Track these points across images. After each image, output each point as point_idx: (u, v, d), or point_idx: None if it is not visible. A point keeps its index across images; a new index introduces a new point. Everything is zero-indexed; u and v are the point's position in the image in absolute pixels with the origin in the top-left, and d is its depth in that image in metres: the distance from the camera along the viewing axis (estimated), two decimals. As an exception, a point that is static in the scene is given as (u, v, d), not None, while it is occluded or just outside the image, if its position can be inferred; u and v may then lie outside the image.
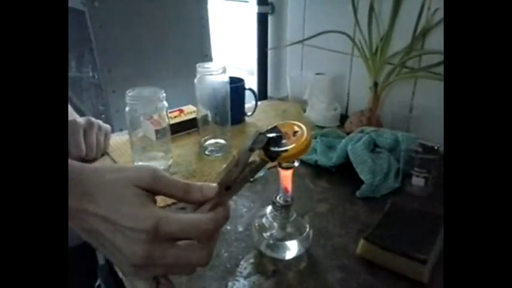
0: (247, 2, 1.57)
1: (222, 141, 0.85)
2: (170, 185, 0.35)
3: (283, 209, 0.52)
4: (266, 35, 1.27)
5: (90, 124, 0.82)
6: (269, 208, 0.54)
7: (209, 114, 0.84)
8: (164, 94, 0.75)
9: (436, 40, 0.82)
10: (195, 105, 0.89)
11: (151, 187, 0.33)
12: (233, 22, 1.68)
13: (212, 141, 0.85)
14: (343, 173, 0.74)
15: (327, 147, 0.81)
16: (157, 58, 1.21)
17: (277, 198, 0.52)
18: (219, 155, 0.84)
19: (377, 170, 0.69)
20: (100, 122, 0.86)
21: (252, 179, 0.65)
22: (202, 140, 0.85)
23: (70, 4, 1.11)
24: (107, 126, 0.87)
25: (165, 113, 0.76)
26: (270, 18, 1.26)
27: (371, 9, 0.86)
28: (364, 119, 0.88)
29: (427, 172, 0.68)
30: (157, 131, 0.77)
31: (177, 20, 1.21)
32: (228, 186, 0.37)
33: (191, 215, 0.34)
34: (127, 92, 0.72)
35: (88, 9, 1.05)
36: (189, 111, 0.99)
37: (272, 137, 0.40)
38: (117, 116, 1.13)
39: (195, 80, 0.82)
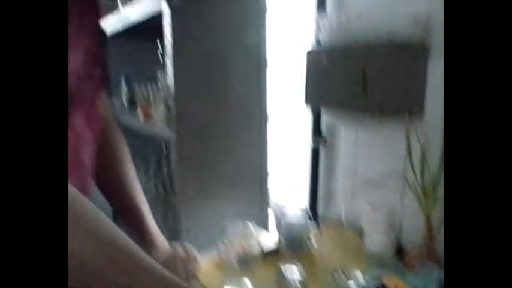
0: (289, 125, 1.77)
1: (298, 272, 0.94)
2: None
3: None
4: (318, 166, 1.42)
5: (174, 257, 0.84)
6: None
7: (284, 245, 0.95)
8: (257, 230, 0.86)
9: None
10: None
11: None
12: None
13: (291, 271, 0.94)
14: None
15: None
16: (224, 178, 1.36)
17: None
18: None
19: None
20: (187, 246, 0.94)
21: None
22: (282, 271, 0.94)
23: (163, 134, 1.31)
24: (195, 254, 0.94)
25: (254, 241, 0.87)
26: (322, 150, 1.43)
27: (423, 156, 1.00)
28: (423, 253, 0.97)
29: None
30: (242, 259, 0.88)
31: (244, 144, 1.39)
32: None
33: None
34: (226, 223, 0.84)
35: (177, 143, 1.23)
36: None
37: None
38: (187, 237, 1.25)
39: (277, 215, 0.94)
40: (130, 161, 0.94)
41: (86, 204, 0.49)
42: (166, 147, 2.19)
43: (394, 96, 0.99)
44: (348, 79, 1.03)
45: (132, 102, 1.85)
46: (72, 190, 0.47)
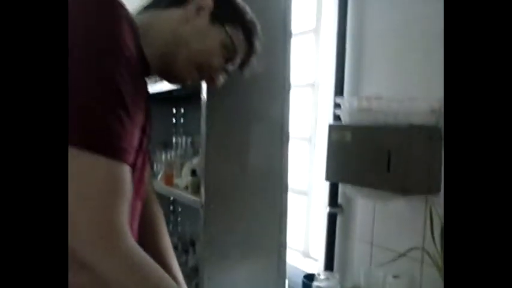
0: (307, 194, 1.86)
1: None
2: None
3: None
4: (334, 232, 1.50)
5: None
6: None
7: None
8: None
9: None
10: None
11: None
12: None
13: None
14: None
15: None
16: (245, 246, 1.41)
17: None
18: None
19: None
20: None
21: None
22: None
23: (190, 202, 1.37)
24: None
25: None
26: (338, 217, 1.51)
27: (443, 231, 1.09)
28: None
29: None
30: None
31: (264, 213, 1.46)
32: None
33: None
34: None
35: (204, 210, 1.30)
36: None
37: None
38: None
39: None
40: (166, 230, 0.99)
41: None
42: (186, 207, 2.24)
43: (415, 175, 1.10)
44: (372, 156, 1.14)
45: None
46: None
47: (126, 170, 0.58)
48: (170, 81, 0.85)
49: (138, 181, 0.70)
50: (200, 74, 0.81)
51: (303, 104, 1.89)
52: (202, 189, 1.30)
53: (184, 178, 1.51)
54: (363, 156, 1.17)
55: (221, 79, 0.85)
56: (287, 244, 1.51)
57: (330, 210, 1.50)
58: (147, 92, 0.76)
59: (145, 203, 0.84)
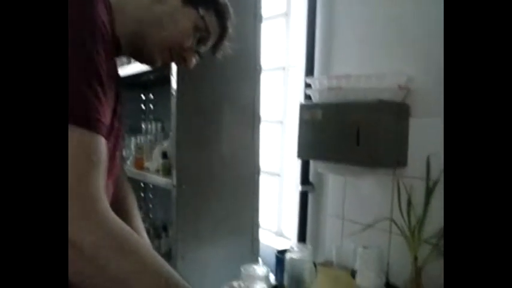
0: (279, 175, 1.89)
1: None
2: None
3: None
4: (306, 209, 1.53)
5: None
6: None
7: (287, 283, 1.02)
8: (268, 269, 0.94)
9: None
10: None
11: None
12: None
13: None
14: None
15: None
16: (218, 227, 1.43)
17: None
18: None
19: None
20: None
21: None
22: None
23: (161, 183, 1.37)
24: None
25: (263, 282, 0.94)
26: (310, 195, 1.54)
27: (409, 203, 1.14)
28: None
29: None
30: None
31: (237, 195, 1.48)
32: None
33: None
34: (241, 268, 0.91)
35: (176, 191, 1.30)
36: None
37: None
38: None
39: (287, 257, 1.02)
40: (138, 209, 0.99)
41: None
42: (157, 192, 2.22)
43: (383, 149, 1.14)
44: (341, 132, 1.17)
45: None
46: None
47: (102, 142, 0.58)
48: (141, 61, 0.84)
49: (110, 161, 0.69)
50: (172, 55, 0.80)
51: (275, 87, 1.91)
52: (174, 171, 1.30)
53: (155, 161, 1.50)
54: (333, 132, 1.20)
55: (193, 61, 0.85)
56: (260, 224, 1.53)
57: (301, 188, 1.53)
58: (117, 73, 0.75)
59: (117, 184, 0.84)
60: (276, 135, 1.90)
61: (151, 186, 2.27)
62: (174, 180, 1.29)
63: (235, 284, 0.97)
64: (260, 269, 0.92)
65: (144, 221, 2.04)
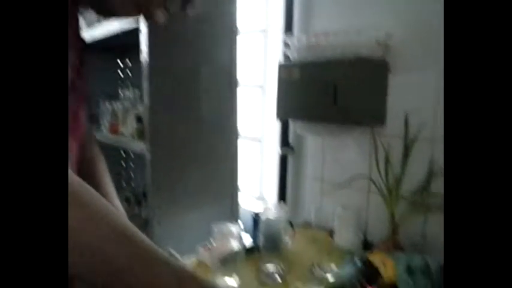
0: (260, 141, 1.86)
1: (277, 268, 1.00)
2: None
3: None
4: (286, 172, 1.51)
5: None
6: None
7: (264, 244, 1.01)
8: (241, 228, 0.92)
9: (442, 183, 1.07)
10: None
11: None
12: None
13: (270, 267, 1.00)
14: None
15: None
16: (196, 191, 1.41)
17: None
18: (280, 281, 0.98)
19: (418, 290, 0.86)
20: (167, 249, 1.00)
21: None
22: (262, 267, 1.00)
23: (136, 148, 1.33)
24: (178, 257, 1.00)
25: (235, 241, 0.92)
26: (289, 158, 1.53)
27: (386, 161, 1.12)
28: (389, 244, 1.08)
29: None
30: (224, 258, 0.92)
31: (215, 159, 1.45)
32: None
33: None
34: (212, 226, 0.89)
35: (150, 155, 1.26)
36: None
37: (371, 267, 0.57)
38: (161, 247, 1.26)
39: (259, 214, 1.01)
40: (108, 174, 0.96)
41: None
42: (138, 161, 2.19)
43: (361, 106, 1.11)
44: (319, 91, 1.14)
45: (93, 117, 1.85)
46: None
47: None
48: (104, 14, 0.78)
49: (72, 121, 0.67)
50: (138, 8, 0.74)
51: (255, 50, 1.85)
52: (148, 134, 1.26)
53: (129, 126, 1.45)
54: (311, 91, 1.17)
55: (161, 16, 0.79)
56: (240, 189, 1.51)
57: (281, 151, 1.50)
58: (79, 27, 0.70)
59: (83, 146, 0.81)
60: (256, 99, 1.86)
61: (132, 155, 2.23)
62: (147, 143, 1.26)
63: (208, 243, 0.96)
64: (232, 227, 0.90)
65: (125, 189, 2.02)
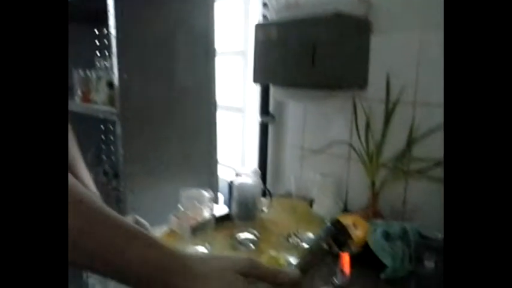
0: (242, 111, 1.80)
1: (251, 236, 0.96)
2: (264, 271, 0.43)
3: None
4: (267, 141, 1.46)
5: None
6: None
7: (237, 212, 0.97)
8: (211, 194, 0.87)
9: (421, 148, 1.03)
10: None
11: (249, 273, 0.41)
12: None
13: (244, 235, 0.96)
14: (363, 259, 0.87)
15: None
16: (169, 158, 1.35)
17: (335, 279, 0.63)
18: (253, 248, 0.94)
19: (395, 256, 0.82)
20: (136, 217, 0.94)
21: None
22: (236, 235, 0.96)
23: (107, 115, 1.27)
24: (145, 224, 0.95)
25: (208, 210, 0.88)
26: (270, 126, 1.47)
27: (367, 126, 1.07)
28: (369, 212, 1.04)
29: (436, 255, 0.82)
30: (195, 227, 0.88)
31: (189, 123, 1.39)
32: (305, 270, 0.48)
33: None
34: (181, 191, 0.84)
35: (120, 121, 1.20)
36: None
37: (340, 229, 0.53)
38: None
39: (234, 182, 0.96)
40: (76, 145, 0.92)
41: None
42: (110, 129, 2.12)
43: (341, 68, 1.05)
44: (297, 52, 1.07)
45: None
46: None
47: None
48: None
49: None
50: None
51: (235, 15, 1.76)
52: (118, 99, 1.19)
53: (101, 93, 1.38)
54: (288, 53, 1.10)
55: None
56: (218, 159, 1.46)
57: (261, 119, 1.45)
58: None
59: None
60: (237, 67, 1.79)
61: (111, 128, 2.16)
62: (118, 109, 1.19)
63: (178, 212, 0.91)
64: (202, 192, 0.85)
65: (105, 163, 1.95)
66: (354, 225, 0.55)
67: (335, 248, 0.52)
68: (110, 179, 1.80)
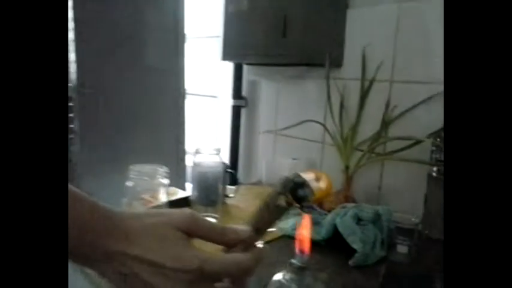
0: (215, 97, 1.72)
1: (210, 219, 0.88)
2: (208, 227, 0.36)
3: (300, 271, 0.55)
4: (239, 126, 1.38)
5: None
6: (283, 272, 0.57)
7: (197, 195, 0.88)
8: (165, 171, 0.78)
9: (397, 129, 0.96)
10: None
11: (190, 230, 0.35)
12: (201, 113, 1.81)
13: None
14: (332, 245, 0.79)
15: (313, 224, 0.86)
16: (136, 144, 1.26)
17: (294, 260, 0.56)
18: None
19: (366, 240, 0.75)
20: None
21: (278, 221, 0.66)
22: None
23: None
24: None
25: (162, 190, 0.79)
26: (243, 111, 1.39)
27: (341, 106, 1.00)
28: (341, 197, 0.97)
29: (409, 240, 0.75)
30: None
31: (157, 110, 1.30)
32: (258, 228, 0.40)
33: (232, 255, 0.36)
34: (130, 166, 0.75)
35: (78, 96, 1.10)
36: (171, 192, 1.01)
37: (299, 182, 0.44)
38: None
39: (193, 161, 0.87)
40: None
41: None
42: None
43: (314, 42, 0.98)
44: (268, 23, 1.00)
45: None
46: None
47: None
48: None
49: None
50: None
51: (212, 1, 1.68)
52: (74, 73, 1.10)
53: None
54: (258, 24, 1.02)
55: None
56: (186, 150, 1.38)
57: (233, 103, 1.37)
58: None
59: None
60: (212, 51, 1.71)
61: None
62: (73, 82, 1.10)
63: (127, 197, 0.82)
64: (154, 167, 0.76)
65: (71, 153, 1.84)
66: (317, 178, 0.48)
67: (294, 203, 0.43)
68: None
